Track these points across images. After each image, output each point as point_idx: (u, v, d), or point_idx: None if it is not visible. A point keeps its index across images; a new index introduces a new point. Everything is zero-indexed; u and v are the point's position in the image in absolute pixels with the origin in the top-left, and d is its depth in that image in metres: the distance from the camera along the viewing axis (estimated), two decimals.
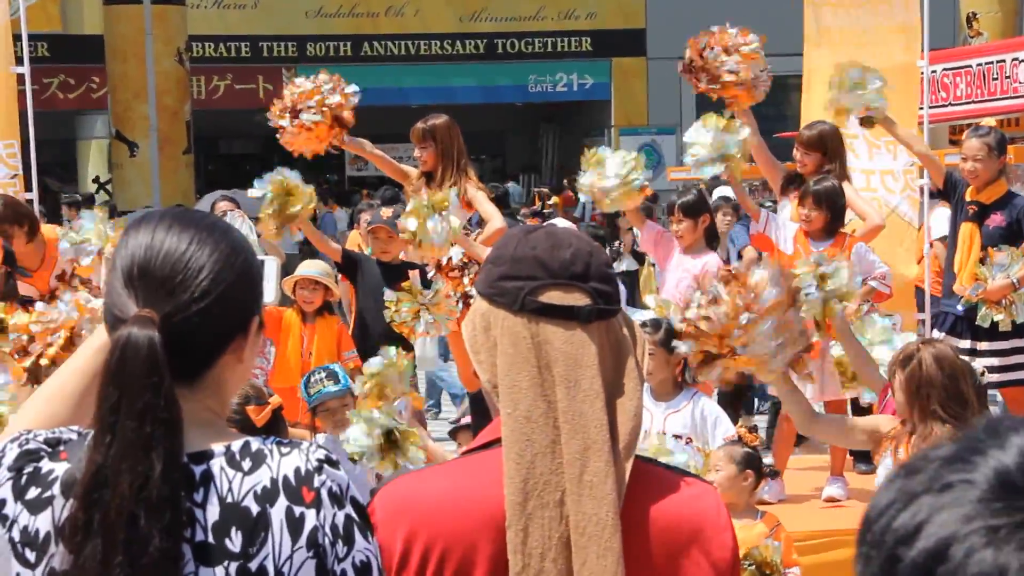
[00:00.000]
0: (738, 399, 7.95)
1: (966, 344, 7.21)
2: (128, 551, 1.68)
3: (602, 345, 1.99)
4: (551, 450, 1.93)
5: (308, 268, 7.70)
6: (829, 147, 7.17)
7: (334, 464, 1.81)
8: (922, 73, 8.53)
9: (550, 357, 1.96)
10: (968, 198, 7.31)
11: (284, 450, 1.81)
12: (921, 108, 8.56)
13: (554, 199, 22.07)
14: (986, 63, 15.33)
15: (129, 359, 1.71)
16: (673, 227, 7.33)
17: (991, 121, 9.01)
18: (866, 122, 7.25)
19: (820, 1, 8.65)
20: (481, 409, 7.00)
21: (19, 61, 8.85)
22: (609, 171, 6.94)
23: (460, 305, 6.39)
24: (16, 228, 7.60)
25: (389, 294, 6.71)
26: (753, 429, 6.37)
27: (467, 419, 8.03)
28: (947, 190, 7.47)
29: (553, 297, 1.98)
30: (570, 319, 1.98)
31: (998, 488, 0.89)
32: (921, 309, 8.58)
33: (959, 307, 7.23)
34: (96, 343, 2.05)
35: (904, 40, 8.35)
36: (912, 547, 0.88)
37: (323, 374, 5.85)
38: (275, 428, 4.56)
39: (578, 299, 1.99)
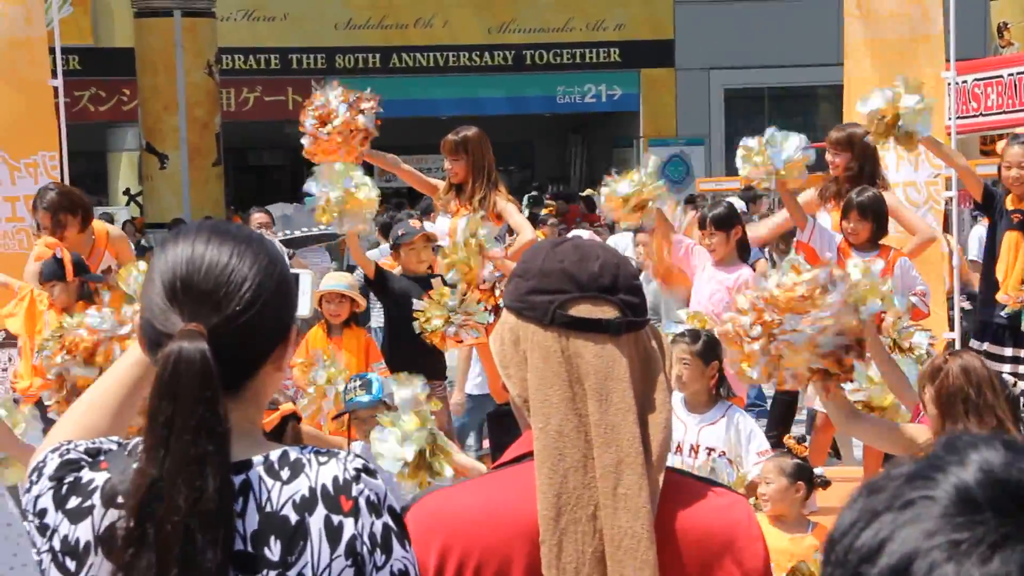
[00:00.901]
0: (790, 411, 7.91)
1: (1008, 352, 7.17)
2: (183, 565, 1.69)
3: (632, 357, 1.99)
4: (583, 464, 1.93)
5: (334, 281, 7.74)
6: (857, 147, 7.18)
7: (372, 473, 1.82)
8: (949, 83, 8.51)
9: (581, 371, 1.96)
10: (1010, 207, 7.28)
11: (322, 459, 1.81)
12: (950, 119, 8.55)
13: (547, 204, 21.83)
14: (1017, 73, 15.25)
15: (183, 373, 1.72)
16: (705, 241, 7.32)
17: None
18: (905, 140, 7.19)
19: (854, 13, 8.66)
20: (501, 427, 6.99)
21: (52, 74, 8.93)
22: (620, 189, 6.97)
23: (491, 316, 6.41)
24: (70, 217, 7.67)
25: (418, 304, 6.73)
26: (801, 440, 6.37)
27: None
28: (986, 203, 7.45)
29: (583, 311, 1.98)
30: (600, 332, 1.98)
31: (959, 504, 0.89)
32: (951, 327, 8.54)
33: (1003, 314, 7.19)
34: (132, 357, 2.07)
35: (928, 51, 8.34)
36: (875, 564, 0.89)
37: (358, 383, 5.89)
38: (282, 434, 4.60)
39: (607, 312, 1.99)
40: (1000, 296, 7.27)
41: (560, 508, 1.90)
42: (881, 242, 6.96)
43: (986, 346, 7.20)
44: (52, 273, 7.56)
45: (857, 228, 6.77)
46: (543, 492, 1.91)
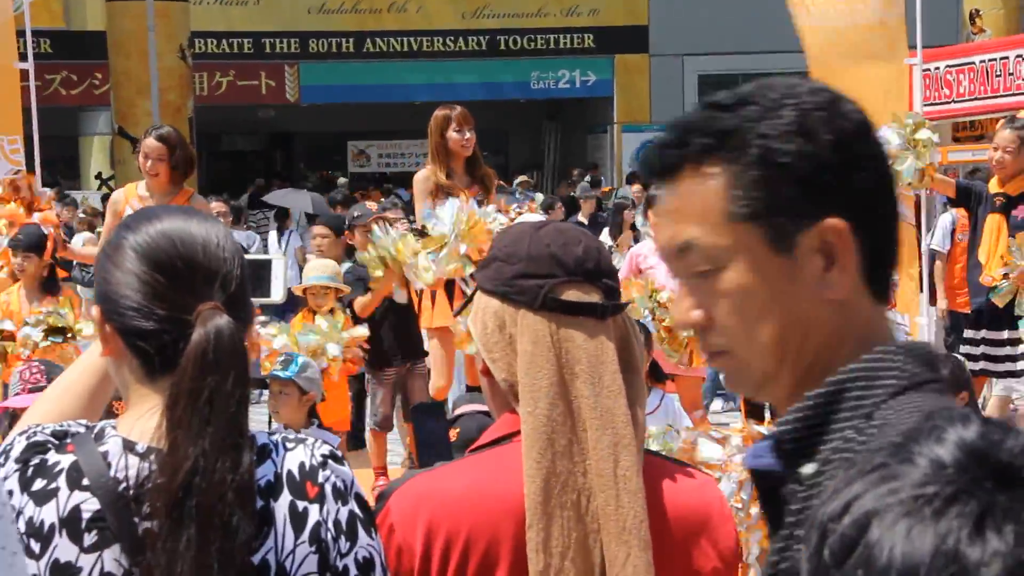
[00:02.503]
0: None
1: (1005, 334, 7.22)
2: (223, 539, 1.70)
3: (615, 340, 2.00)
4: (570, 450, 1.94)
5: (317, 274, 7.77)
6: None
7: (339, 460, 1.82)
8: (925, 70, 8.53)
9: (572, 355, 1.97)
10: (993, 189, 7.32)
11: (289, 445, 1.82)
12: (925, 105, 8.57)
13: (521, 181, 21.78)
14: (989, 60, 15.32)
15: (227, 348, 1.73)
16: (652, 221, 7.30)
17: None
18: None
19: (798, 1, 8.60)
20: (426, 421, 6.91)
21: (23, 57, 8.86)
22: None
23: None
24: (164, 165, 7.24)
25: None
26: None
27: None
28: (961, 197, 7.50)
29: (572, 295, 2.00)
30: (589, 316, 1.99)
31: (930, 473, 0.92)
32: (923, 312, 8.60)
33: (990, 296, 7.23)
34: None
35: (886, 38, 8.32)
36: (839, 522, 0.93)
37: (283, 358, 6.35)
38: None
39: (594, 296, 2.00)
40: (983, 278, 7.32)
41: (548, 492, 1.92)
42: None
43: (983, 333, 7.25)
44: (33, 244, 7.44)
45: None
46: (531, 476, 1.92)
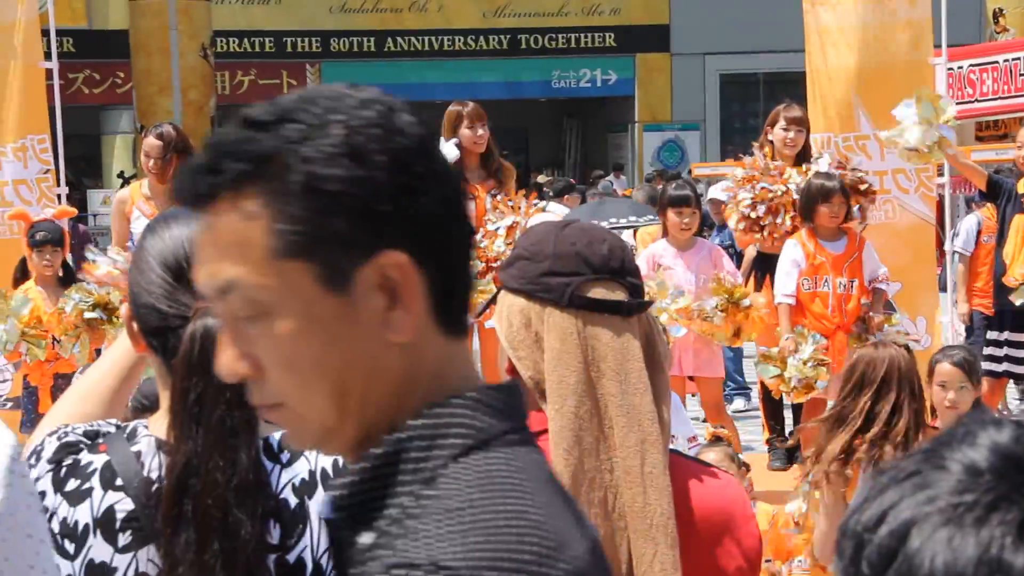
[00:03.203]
0: (778, 404, 7.92)
1: None
2: (222, 538, 1.70)
3: (639, 338, 2.01)
4: (596, 448, 1.94)
5: None
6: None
7: None
8: (949, 69, 8.49)
9: (598, 352, 1.97)
10: (1021, 190, 7.28)
11: None
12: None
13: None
14: (1013, 59, 15.26)
15: (208, 350, 1.72)
16: (685, 219, 7.28)
17: None
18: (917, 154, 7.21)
19: (817, 1, 8.54)
20: None
21: (47, 56, 8.89)
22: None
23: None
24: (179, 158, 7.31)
25: None
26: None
27: None
28: (992, 191, 7.47)
29: (598, 293, 2.00)
30: (615, 314, 2.00)
31: (966, 478, 0.91)
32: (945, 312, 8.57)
33: (1018, 301, 7.19)
34: (126, 343, 2.07)
35: (911, 37, 8.28)
36: (876, 532, 0.92)
37: None
38: None
39: (619, 294, 2.01)
40: (1006, 279, 7.28)
41: (575, 490, 1.92)
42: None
43: (1006, 335, 7.23)
44: (59, 239, 7.41)
45: (839, 212, 6.80)
46: (558, 473, 1.92)
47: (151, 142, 7.32)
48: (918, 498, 0.91)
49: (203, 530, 1.70)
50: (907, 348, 5.10)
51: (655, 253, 7.36)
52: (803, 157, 7.55)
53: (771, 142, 7.59)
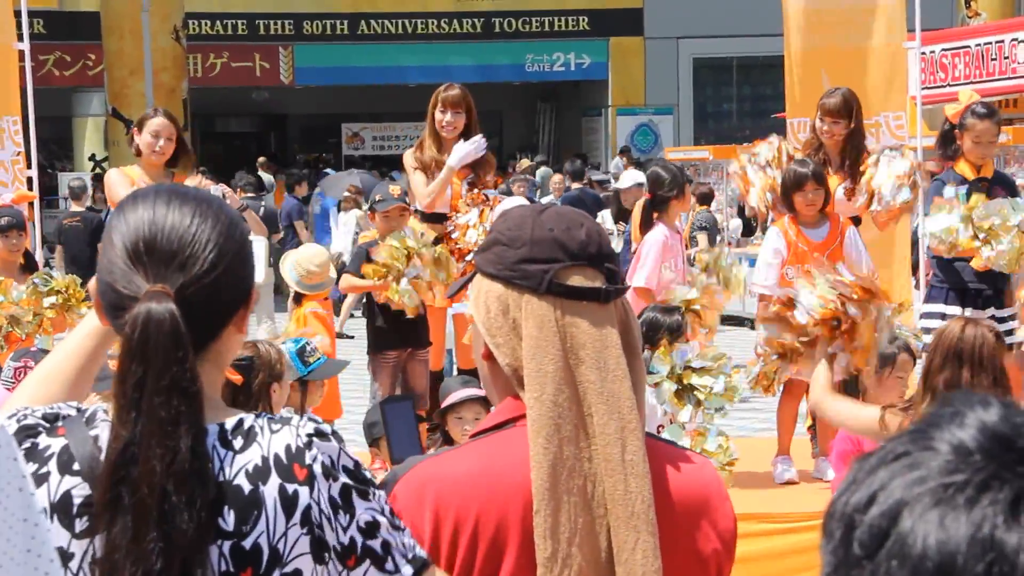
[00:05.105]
0: None
1: (991, 312, 7.22)
2: (160, 527, 1.69)
3: (617, 324, 2.01)
4: (576, 436, 1.94)
5: (309, 260, 7.89)
6: (855, 114, 7.09)
7: (324, 436, 1.80)
8: (922, 54, 8.53)
9: (577, 340, 1.96)
10: (971, 177, 7.26)
11: (275, 427, 1.80)
12: (923, 89, 8.58)
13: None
14: (984, 44, 15.32)
15: (152, 334, 1.71)
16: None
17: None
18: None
19: None
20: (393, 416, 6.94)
21: (18, 37, 8.83)
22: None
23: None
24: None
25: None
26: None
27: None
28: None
29: (576, 280, 1.99)
30: (593, 300, 1.99)
31: (954, 458, 0.92)
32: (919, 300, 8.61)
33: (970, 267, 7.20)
34: (89, 326, 2.07)
35: (884, 22, 8.31)
36: (867, 513, 0.92)
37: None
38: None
39: (597, 280, 2.00)
40: (974, 263, 7.30)
41: (555, 478, 1.91)
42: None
43: (968, 312, 7.23)
44: (22, 223, 7.36)
45: (815, 199, 6.70)
46: (537, 462, 1.92)
47: (161, 122, 6.89)
48: (908, 479, 0.92)
49: (140, 518, 1.69)
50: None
51: (663, 240, 7.31)
52: (855, 147, 7.16)
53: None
